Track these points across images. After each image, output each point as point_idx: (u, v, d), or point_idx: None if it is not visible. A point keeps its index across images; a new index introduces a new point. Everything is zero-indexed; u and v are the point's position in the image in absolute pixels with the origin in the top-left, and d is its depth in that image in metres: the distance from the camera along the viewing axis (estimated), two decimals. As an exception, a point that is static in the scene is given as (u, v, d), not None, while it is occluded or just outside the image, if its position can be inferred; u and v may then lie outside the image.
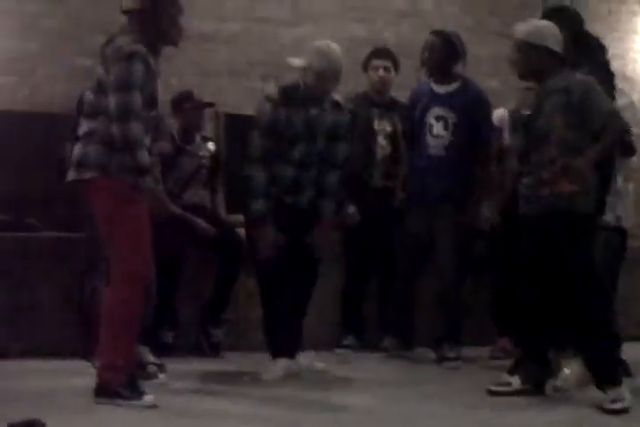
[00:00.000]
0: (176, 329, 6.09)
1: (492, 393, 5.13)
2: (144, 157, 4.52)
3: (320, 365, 5.65)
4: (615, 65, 5.46)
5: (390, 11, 7.41)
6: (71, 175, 4.65)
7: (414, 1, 7.53)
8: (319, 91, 5.39)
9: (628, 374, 5.06)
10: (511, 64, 5.26)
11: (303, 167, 5.43)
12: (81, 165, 4.59)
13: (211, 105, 6.35)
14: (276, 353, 5.45)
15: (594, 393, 4.96)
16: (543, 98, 5.06)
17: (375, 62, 6.58)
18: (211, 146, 6.44)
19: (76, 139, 4.71)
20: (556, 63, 5.09)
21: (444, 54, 6.20)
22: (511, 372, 5.22)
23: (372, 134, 6.48)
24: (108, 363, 4.58)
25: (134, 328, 4.64)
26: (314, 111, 5.41)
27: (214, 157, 6.44)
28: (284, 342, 5.49)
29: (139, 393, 4.58)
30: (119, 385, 4.55)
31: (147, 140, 4.62)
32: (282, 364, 5.40)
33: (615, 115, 4.99)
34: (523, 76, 5.24)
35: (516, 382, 5.16)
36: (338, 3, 7.31)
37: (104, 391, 4.57)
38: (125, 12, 4.72)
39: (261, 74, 7.06)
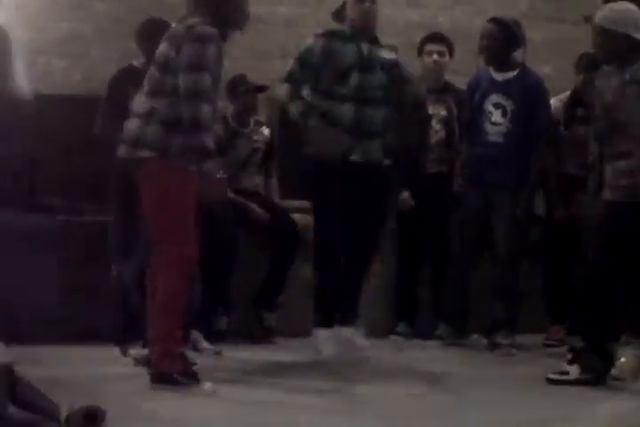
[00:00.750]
0: (230, 314, 6.06)
1: (550, 381, 5.08)
2: (210, 141, 4.48)
3: (363, 342, 5.61)
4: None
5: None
6: (125, 152, 4.61)
7: (469, -15, 7.47)
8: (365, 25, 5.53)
9: None
10: (593, 48, 5.18)
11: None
12: (138, 143, 4.55)
13: (264, 88, 6.31)
14: (317, 322, 5.56)
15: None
16: (624, 86, 4.98)
17: (429, 47, 6.53)
18: (265, 130, 6.41)
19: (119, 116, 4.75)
20: (633, 49, 5.01)
21: (503, 42, 6.13)
22: (571, 361, 5.17)
23: (427, 116, 6.42)
24: (164, 350, 4.56)
25: (182, 313, 4.62)
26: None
27: (269, 141, 6.41)
28: (326, 310, 5.54)
29: (196, 380, 4.56)
30: (176, 372, 4.53)
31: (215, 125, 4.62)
32: (323, 336, 5.48)
33: None
34: (604, 62, 5.16)
35: (574, 371, 5.09)
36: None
37: (161, 378, 4.55)
38: None
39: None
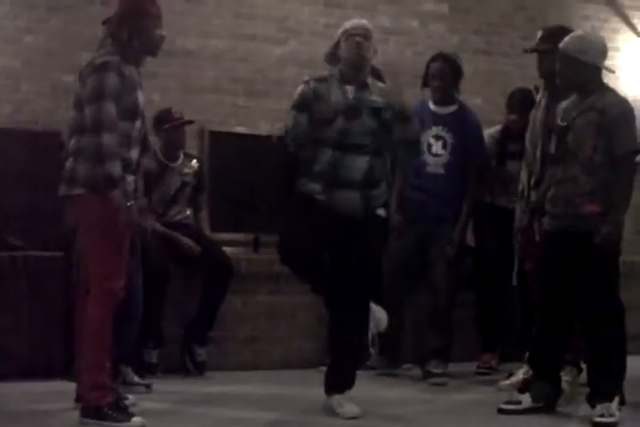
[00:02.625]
0: (161, 348, 6.03)
1: (502, 411, 5.11)
2: (114, 169, 4.46)
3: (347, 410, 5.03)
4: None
5: (376, 28, 7.28)
6: (62, 190, 4.65)
7: (400, 19, 7.53)
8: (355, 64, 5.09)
9: (622, 402, 5.07)
10: (556, 76, 5.23)
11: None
12: (70, 181, 4.59)
13: (189, 123, 6.31)
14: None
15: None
16: (579, 113, 5.06)
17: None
18: (194, 163, 6.40)
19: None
20: (597, 79, 5.11)
21: (451, 79, 6.22)
22: (521, 390, 5.21)
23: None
24: (93, 382, 4.54)
25: (109, 345, 4.60)
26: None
27: (198, 174, 6.42)
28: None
29: (127, 414, 4.54)
30: (106, 405, 4.50)
31: (132, 153, 4.60)
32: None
33: (633, 154, 5.03)
34: (565, 89, 5.23)
35: (526, 400, 5.14)
36: (324, 20, 7.30)
37: (91, 412, 4.52)
38: (103, 24, 4.75)
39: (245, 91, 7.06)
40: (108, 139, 4.44)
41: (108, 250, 4.55)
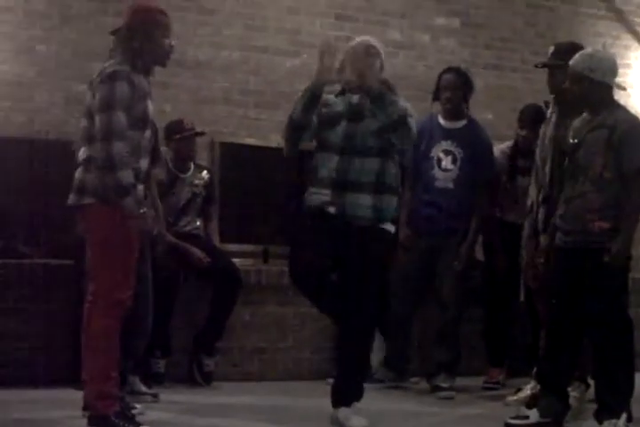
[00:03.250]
0: (168, 357, 6.04)
1: (509, 426, 5.09)
2: (125, 178, 4.46)
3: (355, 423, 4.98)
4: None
5: (386, 42, 7.37)
6: (71, 199, 4.65)
7: (411, 33, 7.56)
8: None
9: (630, 418, 5.06)
10: (566, 93, 5.24)
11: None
12: (80, 190, 4.60)
13: (200, 134, 6.33)
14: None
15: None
16: (589, 130, 5.07)
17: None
18: (205, 174, 6.42)
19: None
20: (608, 96, 5.11)
21: (462, 92, 6.24)
22: (529, 405, 5.21)
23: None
24: (99, 391, 4.53)
25: (116, 354, 4.60)
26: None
27: (208, 185, 6.43)
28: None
29: (134, 424, 4.54)
30: (113, 414, 4.50)
31: (141, 162, 4.61)
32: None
33: None
34: (575, 105, 5.24)
35: (534, 415, 5.12)
36: (335, 33, 7.31)
37: (99, 421, 4.51)
38: (112, 34, 4.80)
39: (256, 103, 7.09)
40: (118, 147, 4.45)
41: (116, 260, 4.55)
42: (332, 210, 4.97)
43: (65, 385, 5.45)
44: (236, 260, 6.40)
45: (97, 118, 4.50)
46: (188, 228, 6.27)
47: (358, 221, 4.96)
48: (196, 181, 6.33)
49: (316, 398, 5.67)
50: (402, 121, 4.94)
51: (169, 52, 4.74)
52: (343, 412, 4.94)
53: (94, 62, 6.30)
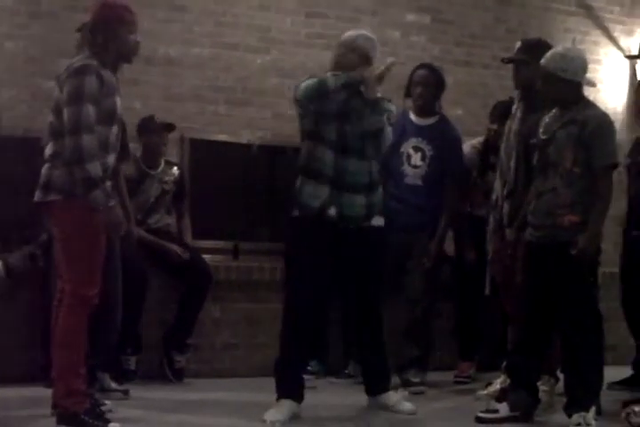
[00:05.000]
0: (139, 354, 6.03)
1: (479, 420, 5.12)
2: (94, 170, 4.43)
3: (408, 406, 5.38)
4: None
5: (357, 38, 7.43)
6: (37, 196, 4.63)
7: (382, 29, 7.53)
8: None
9: (599, 412, 5.10)
10: (538, 91, 5.28)
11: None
12: (46, 186, 4.57)
13: (171, 127, 6.32)
14: (282, 394, 5.12)
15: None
16: (560, 126, 5.10)
17: (343, 91, 6.57)
18: (175, 171, 6.41)
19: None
20: (578, 93, 5.15)
21: (434, 88, 6.26)
22: (499, 399, 5.24)
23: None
24: (68, 389, 4.52)
25: (84, 351, 4.59)
26: None
27: (178, 182, 6.42)
28: (292, 382, 5.18)
29: (104, 420, 4.52)
30: (83, 412, 4.48)
31: (109, 158, 4.59)
32: (288, 406, 5.06)
33: (611, 167, 5.07)
34: (544, 102, 5.27)
35: (504, 409, 5.15)
36: (306, 30, 7.32)
37: (67, 418, 4.50)
38: (78, 30, 4.77)
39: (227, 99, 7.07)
40: (87, 140, 4.43)
41: (82, 257, 4.54)
42: (332, 212, 5.09)
43: (34, 383, 5.44)
44: (206, 256, 6.39)
45: (65, 111, 4.48)
46: (158, 224, 6.26)
47: (353, 221, 5.13)
48: (166, 178, 6.32)
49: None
50: (379, 132, 5.18)
51: (135, 49, 4.73)
52: (393, 397, 5.36)
53: (62, 59, 6.22)
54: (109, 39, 4.62)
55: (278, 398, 5.08)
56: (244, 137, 7.05)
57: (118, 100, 4.67)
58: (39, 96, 6.39)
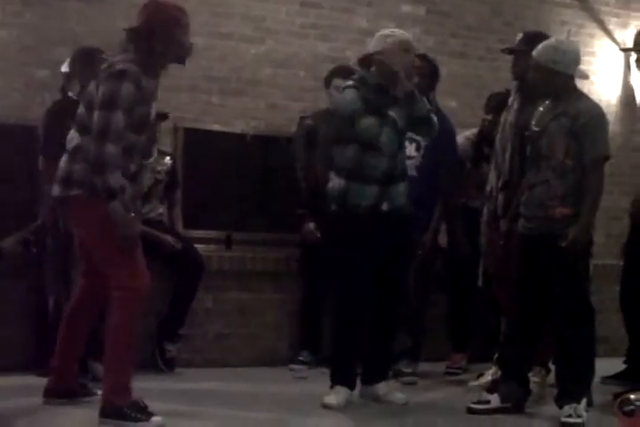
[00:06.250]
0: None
1: (471, 411, 5.14)
2: (114, 180, 4.39)
3: (400, 396, 5.44)
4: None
5: (352, 29, 7.40)
6: (56, 191, 4.59)
7: (377, 20, 7.52)
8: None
9: (590, 403, 5.11)
10: (529, 83, 5.29)
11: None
12: (67, 181, 4.54)
13: (164, 116, 6.28)
14: (338, 382, 5.29)
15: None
16: (552, 118, 5.10)
17: (337, 81, 6.54)
18: (168, 160, 6.40)
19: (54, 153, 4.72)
20: (570, 85, 5.15)
21: (429, 79, 6.26)
22: (490, 390, 5.24)
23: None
24: (115, 383, 4.51)
25: (135, 346, 4.61)
26: None
27: (171, 171, 6.41)
28: (347, 371, 5.32)
29: (147, 414, 4.52)
30: (127, 406, 4.48)
31: (132, 165, 4.54)
32: (343, 392, 5.25)
33: (603, 159, 5.06)
34: (541, 96, 5.27)
35: (495, 400, 5.16)
36: (301, 20, 7.30)
37: (111, 413, 4.48)
38: (126, 30, 4.65)
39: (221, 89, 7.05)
40: (111, 149, 4.37)
41: (119, 250, 4.48)
42: (385, 207, 5.27)
43: (26, 371, 5.45)
44: (198, 246, 6.38)
45: (96, 114, 4.43)
46: (151, 214, 6.22)
47: (400, 210, 5.34)
48: (159, 167, 6.29)
49: (280, 383, 5.72)
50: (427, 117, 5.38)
51: (190, 51, 4.72)
52: (385, 387, 5.36)
53: (56, 47, 6.36)
54: (167, 43, 4.56)
55: (333, 386, 5.24)
56: (238, 127, 7.03)
57: (154, 107, 4.64)
58: (32, 85, 6.39)
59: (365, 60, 5.45)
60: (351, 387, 5.28)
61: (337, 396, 5.20)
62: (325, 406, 5.13)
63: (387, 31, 5.47)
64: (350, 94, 5.29)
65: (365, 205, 5.23)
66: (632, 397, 4.73)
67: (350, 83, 5.37)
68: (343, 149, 5.30)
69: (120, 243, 4.46)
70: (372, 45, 5.42)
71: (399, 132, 5.37)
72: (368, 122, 5.23)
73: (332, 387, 5.25)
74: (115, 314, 4.51)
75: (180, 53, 4.68)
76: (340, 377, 5.27)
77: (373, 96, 5.29)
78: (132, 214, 4.49)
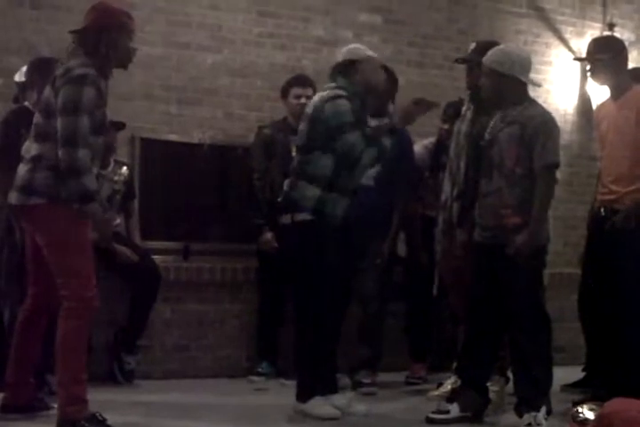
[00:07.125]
0: (89, 356, 5.94)
1: (430, 421, 5.13)
2: (91, 183, 4.42)
3: (361, 408, 5.44)
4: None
5: (309, 38, 7.40)
6: (15, 199, 4.56)
7: (334, 29, 7.52)
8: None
9: (549, 411, 5.12)
10: (481, 89, 5.30)
11: None
12: (26, 189, 4.51)
13: (121, 126, 6.25)
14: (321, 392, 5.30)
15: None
16: (503, 127, 5.10)
17: (296, 91, 6.58)
18: (124, 170, 6.36)
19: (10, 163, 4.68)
20: (520, 92, 5.15)
21: (389, 91, 6.24)
22: (450, 400, 5.24)
23: (290, 160, 6.45)
24: (70, 395, 4.48)
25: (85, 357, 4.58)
26: None
27: (127, 181, 6.37)
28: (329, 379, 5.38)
29: (105, 426, 4.49)
30: (83, 419, 4.45)
31: (95, 168, 4.55)
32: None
33: (552, 167, 5.07)
34: (491, 102, 5.28)
35: (454, 409, 5.17)
36: (258, 29, 7.28)
37: (67, 425, 4.44)
38: (72, 33, 4.67)
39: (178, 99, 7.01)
40: (82, 153, 4.38)
41: (75, 260, 4.48)
42: (352, 217, 5.41)
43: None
44: (156, 257, 6.35)
45: (60, 121, 4.42)
46: (108, 225, 6.19)
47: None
48: (116, 177, 6.27)
49: (238, 395, 5.69)
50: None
51: (132, 56, 4.71)
52: (342, 398, 5.35)
53: (10, 56, 6.29)
54: (110, 46, 4.57)
55: (312, 396, 5.23)
56: (195, 136, 6.99)
57: (106, 110, 4.64)
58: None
59: (347, 67, 5.38)
60: (332, 392, 5.30)
61: (326, 406, 5.21)
62: (328, 418, 5.15)
63: (358, 45, 5.52)
64: (346, 106, 5.23)
65: (340, 216, 5.24)
66: (585, 406, 4.78)
67: (341, 93, 5.28)
68: (318, 157, 5.27)
69: (98, 243, 4.59)
70: (349, 54, 5.40)
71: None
72: (355, 137, 5.21)
73: (309, 398, 5.22)
74: (64, 324, 4.50)
75: (124, 58, 4.67)
76: (323, 387, 5.27)
77: (360, 109, 5.30)
78: (108, 216, 4.64)
